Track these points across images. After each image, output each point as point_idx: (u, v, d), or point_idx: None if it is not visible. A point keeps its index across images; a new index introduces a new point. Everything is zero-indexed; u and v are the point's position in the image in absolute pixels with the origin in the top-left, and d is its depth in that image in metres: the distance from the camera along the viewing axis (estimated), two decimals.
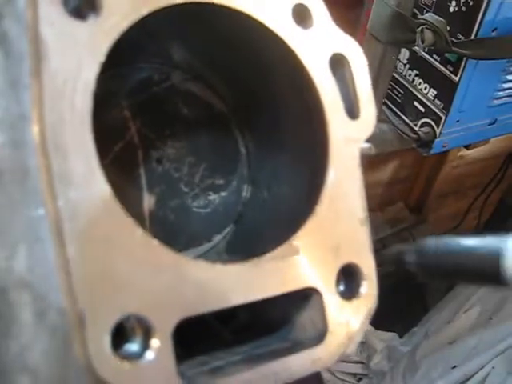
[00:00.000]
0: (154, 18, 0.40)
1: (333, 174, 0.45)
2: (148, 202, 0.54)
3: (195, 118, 0.57)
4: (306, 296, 0.45)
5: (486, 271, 0.35)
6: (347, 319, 0.45)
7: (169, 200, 0.56)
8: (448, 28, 1.14)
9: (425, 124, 1.35)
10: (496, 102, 1.34)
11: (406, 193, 2.28)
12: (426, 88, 1.33)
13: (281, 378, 0.42)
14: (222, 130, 0.58)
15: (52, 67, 0.36)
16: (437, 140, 1.33)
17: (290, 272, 0.43)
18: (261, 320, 0.49)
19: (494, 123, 1.40)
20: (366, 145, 0.50)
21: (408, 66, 1.37)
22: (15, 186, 0.36)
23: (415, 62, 1.34)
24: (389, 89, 1.39)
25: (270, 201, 0.55)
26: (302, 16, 0.45)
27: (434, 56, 1.28)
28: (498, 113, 1.38)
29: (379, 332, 2.12)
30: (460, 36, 1.18)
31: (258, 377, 0.41)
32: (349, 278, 0.46)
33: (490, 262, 0.35)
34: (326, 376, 2.09)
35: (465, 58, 1.20)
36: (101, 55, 0.37)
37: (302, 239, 0.44)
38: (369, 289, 0.46)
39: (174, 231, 0.56)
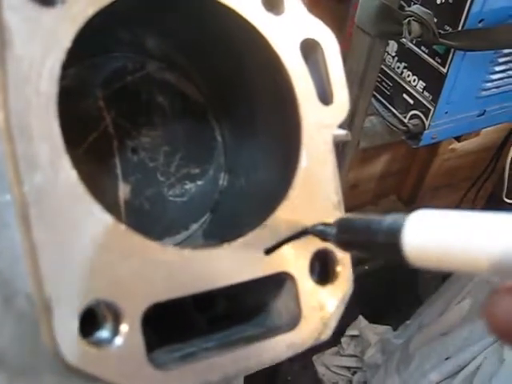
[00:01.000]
0: (124, 4, 0.40)
1: (305, 159, 0.45)
2: (123, 191, 0.54)
3: (171, 108, 0.56)
4: (280, 282, 0.46)
5: (387, 248, 0.37)
6: (321, 304, 0.45)
7: (144, 189, 0.56)
8: (435, 20, 1.14)
9: (414, 116, 1.35)
10: (484, 93, 1.34)
11: (399, 186, 2.28)
12: (414, 80, 1.33)
13: (253, 363, 0.42)
14: (197, 119, 0.58)
15: (16, 53, 0.35)
16: (426, 132, 1.33)
17: (263, 257, 0.43)
18: (237, 308, 0.49)
19: (482, 114, 1.40)
20: (342, 131, 0.50)
21: (396, 58, 1.37)
22: None
23: (403, 54, 1.34)
24: (377, 81, 1.39)
25: (247, 188, 0.56)
26: (272, 2, 0.45)
27: (422, 48, 1.28)
28: (487, 104, 1.38)
29: (373, 325, 2.12)
30: (447, 28, 1.18)
31: (229, 362, 0.41)
32: (323, 262, 0.46)
33: (390, 239, 0.36)
34: (320, 370, 2.09)
35: (452, 50, 1.20)
36: (66, 41, 0.37)
37: (274, 223, 0.44)
38: (343, 273, 0.46)
39: (150, 220, 0.56)
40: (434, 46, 1.23)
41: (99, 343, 0.36)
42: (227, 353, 0.41)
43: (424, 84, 1.30)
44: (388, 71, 1.40)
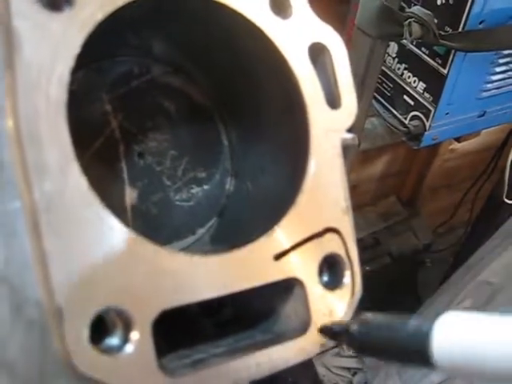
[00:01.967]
0: (131, 9, 0.40)
1: (313, 164, 0.45)
2: (130, 196, 0.54)
3: (177, 112, 0.56)
4: (289, 287, 0.45)
5: (413, 354, 0.35)
6: (330, 309, 0.45)
7: (151, 194, 0.56)
8: (435, 21, 1.15)
9: (414, 117, 1.35)
10: (485, 94, 1.34)
11: (399, 187, 2.28)
12: (415, 81, 1.33)
13: (263, 369, 0.42)
14: (204, 123, 0.58)
15: (26, 59, 0.35)
16: (427, 133, 1.33)
17: (272, 262, 0.43)
18: (246, 313, 0.49)
19: (483, 115, 1.40)
20: (350, 135, 0.50)
21: (397, 59, 1.37)
22: None
23: (404, 55, 1.34)
24: (378, 83, 1.39)
25: (254, 192, 0.55)
26: (280, 6, 0.45)
27: (423, 49, 1.28)
28: (487, 105, 1.38)
29: None
30: (448, 29, 1.18)
31: (239, 368, 0.41)
32: (332, 267, 0.46)
33: (417, 345, 0.35)
34: (320, 371, 2.09)
35: (453, 51, 1.20)
36: (75, 47, 0.37)
37: (283, 229, 0.44)
38: (352, 278, 0.46)
39: (157, 225, 0.56)
40: (435, 47, 1.23)
41: (110, 350, 0.36)
42: (238, 359, 0.41)
43: (424, 85, 1.30)
44: (388, 72, 1.40)
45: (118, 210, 0.39)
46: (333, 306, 0.45)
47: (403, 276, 2.06)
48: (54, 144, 0.35)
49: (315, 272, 0.45)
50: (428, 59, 1.27)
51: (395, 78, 1.39)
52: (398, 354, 0.37)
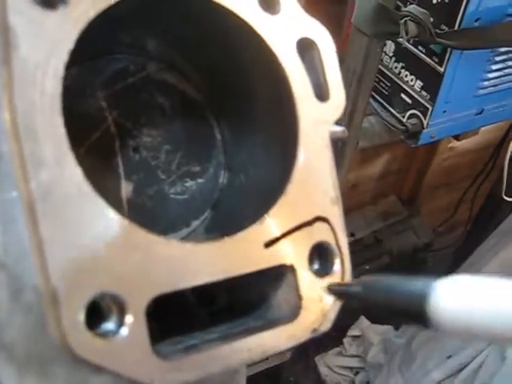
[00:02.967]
0: (124, 6, 0.42)
1: (303, 155, 0.47)
2: (126, 189, 0.55)
3: (171, 107, 0.58)
4: (280, 275, 0.47)
5: (411, 313, 0.37)
6: (321, 296, 0.46)
7: (146, 187, 0.57)
8: (431, 19, 1.16)
9: (412, 115, 1.36)
10: (482, 91, 1.35)
11: (398, 186, 2.29)
12: (412, 80, 1.34)
13: (254, 354, 0.43)
14: (197, 118, 0.59)
15: (21, 55, 0.37)
16: (424, 131, 1.34)
17: (263, 249, 0.44)
18: (239, 302, 0.50)
19: (480, 113, 1.41)
20: (339, 128, 0.51)
21: (394, 58, 1.38)
22: None
23: (401, 54, 1.36)
24: (375, 81, 1.40)
25: (247, 184, 0.57)
26: (268, 2, 0.47)
27: (420, 48, 1.29)
28: (485, 102, 1.39)
29: (375, 325, 2.13)
30: (444, 27, 1.19)
31: (231, 352, 0.42)
32: (322, 255, 0.47)
33: (415, 304, 0.36)
34: (322, 370, 2.10)
35: (449, 49, 1.21)
36: (69, 43, 0.38)
37: (274, 217, 0.45)
38: (342, 266, 0.47)
39: (152, 217, 0.57)
40: (431, 46, 1.24)
41: (105, 334, 0.37)
42: (229, 344, 0.42)
43: (422, 83, 1.31)
44: (386, 71, 1.41)
45: (114, 203, 0.41)
46: (323, 292, 0.47)
47: (404, 275, 2.06)
48: (49, 136, 0.37)
49: (306, 259, 0.46)
50: (425, 57, 1.28)
51: (392, 76, 1.40)
52: (398, 315, 0.39)
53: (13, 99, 0.36)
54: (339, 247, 0.48)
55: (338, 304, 0.47)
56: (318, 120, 0.48)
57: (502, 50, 1.29)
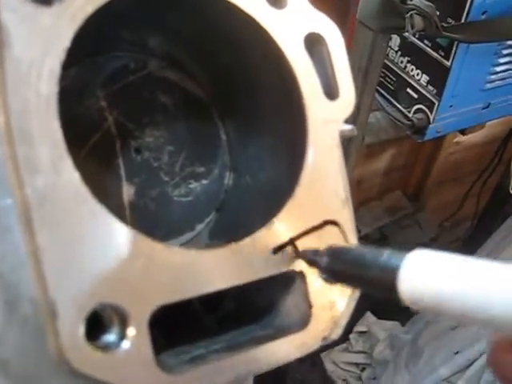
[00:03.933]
0: (124, 3, 0.40)
1: (312, 155, 0.45)
2: (127, 192, 0.53)
3: (174, 106, 0.56)
4: (289, 281, 0.45)
5: (382, 288, 0.35)
6: (331, 302, 0.45)
7: (149, 189, 0.55)
8: (438, 13, 1.14)
9: (418, 110, 1.34)
10: (489, 85, 1.33)
11: (404, 181, 2.27)
12: (418, 74, 1.32)
13: (264, 364, 0.41)
14: (201, 118, 0.57)
15: (15, 54, 0.35)
16: (431, 126, 1.32)
17: (271, 255, 0.43)
18: (246, 309, 0.48)
19: (487, 107, 1.39)
20: (348, 126, 0.49)
21: (399, 52, 1.36)
22: None
23: (407, 48, 1.33)
24: (381, 76, 1.38)
25: (253, 186, 0.55)
26: None
27: (425, 42, 1.27)
28: (492, 96, 1.37)
29: (381, 321, 2.12)
30: (450, 20, 1.17)
31: (238, 363, 0.40)
32: None
33: (385, 280, 0.35)
34: (329, 367, 2.09)
35: (456, 43, 1.19)
36: (66, 41, 0.36)
37: (282, 221, 0.43)
38: None
39: (155, 221, 0.55)
40: (437, 40, 1.22)
41: (106, 347, 0.35)
42: (237, 355, 0.40)
43: (428, 78, 1.29)
44: (391, 66, 1.39)
45: (115, 206, 0.39)
46: (333, 299, 0.45)
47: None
48: (45, 139, 0.35)
49: None
50: (431, 51, 1.26)
51: (398, 71, 1.38)
52: (368, 287, 0.38)
53: (6, 101, 0.34)
54: None
55: (349, 310, 0.46)
56: (328, 119, 0.46)
57: (510, 43, 1.27)
